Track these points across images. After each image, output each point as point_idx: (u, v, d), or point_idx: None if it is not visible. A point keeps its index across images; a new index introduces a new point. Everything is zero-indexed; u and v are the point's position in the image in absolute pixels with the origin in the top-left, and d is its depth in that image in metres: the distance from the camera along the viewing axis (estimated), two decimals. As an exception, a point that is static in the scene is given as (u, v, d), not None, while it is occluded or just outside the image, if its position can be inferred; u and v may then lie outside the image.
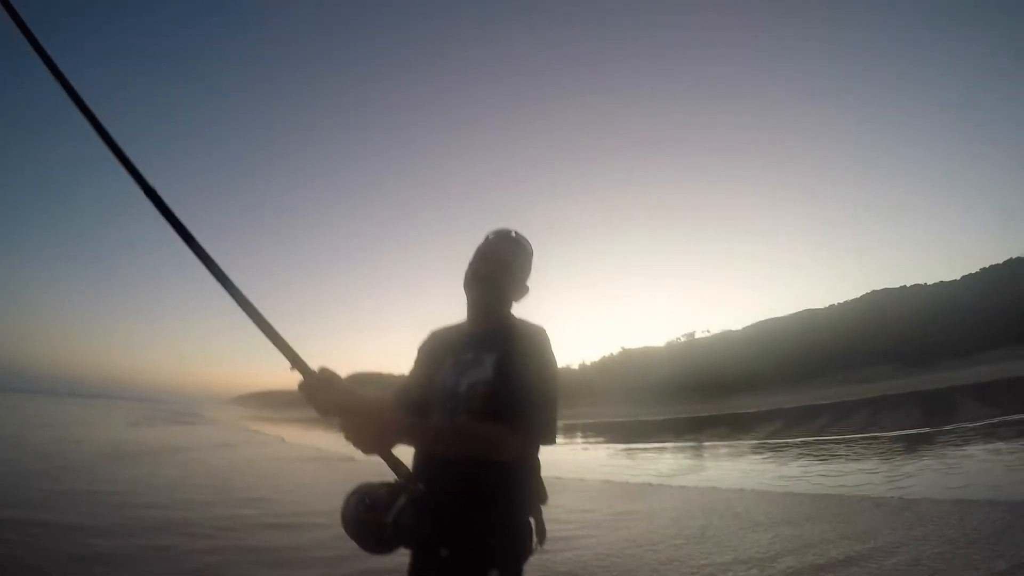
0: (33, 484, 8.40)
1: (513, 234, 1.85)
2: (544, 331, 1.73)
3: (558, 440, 1.67)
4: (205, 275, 1.56)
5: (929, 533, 5.93)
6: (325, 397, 1.54)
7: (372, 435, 1.45)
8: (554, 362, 1.68)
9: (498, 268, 1.78)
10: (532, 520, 1.62)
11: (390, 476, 1.55)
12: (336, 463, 14.92)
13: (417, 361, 1.97)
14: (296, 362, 1.56)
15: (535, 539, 1.61)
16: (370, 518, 1.42)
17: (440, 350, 1.85)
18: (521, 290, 1.87)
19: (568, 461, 16.57)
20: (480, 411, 1.59)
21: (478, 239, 1.87)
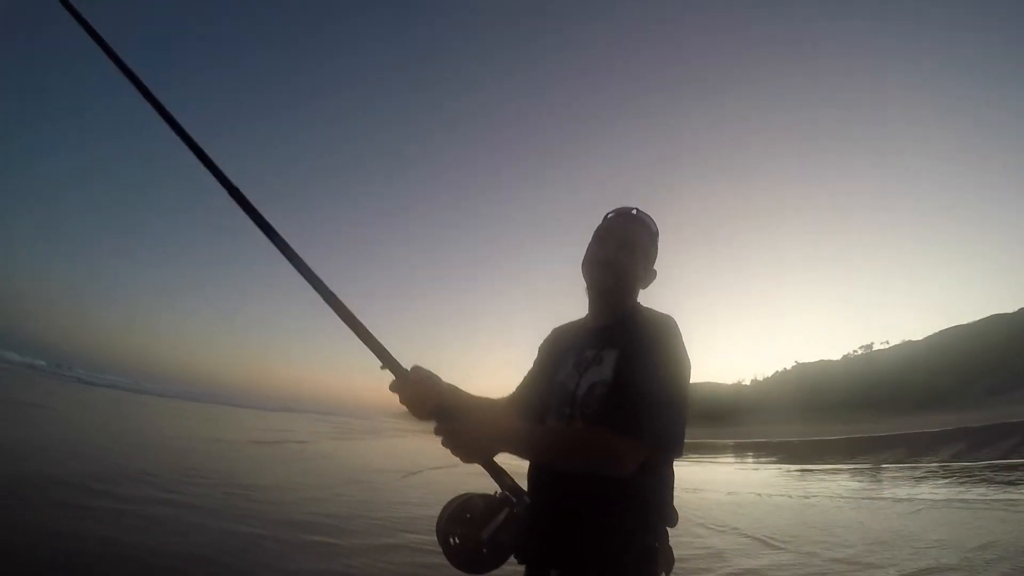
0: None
1: (634, 211, 1.66)
2: (672, 321, 1.49)
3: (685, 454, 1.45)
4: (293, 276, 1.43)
5: None
6: (419, 398, 1.41)
7: (471, 441, 1.31)
8: (681, 358, 1.43)
9: (620, 250, 1.59)
10: (657, 545, 1.40)
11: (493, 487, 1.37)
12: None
13: (537, 361, 1.79)
14: (386, 359, 1.43)
15: (659, 567, 1.39)
16: (464, 533, 1.26)
17: (562, 348, 1.68)
18: (647, 275, 1.67)
19: (738, 481, 16.44)
20: (597, 416, 1.40)
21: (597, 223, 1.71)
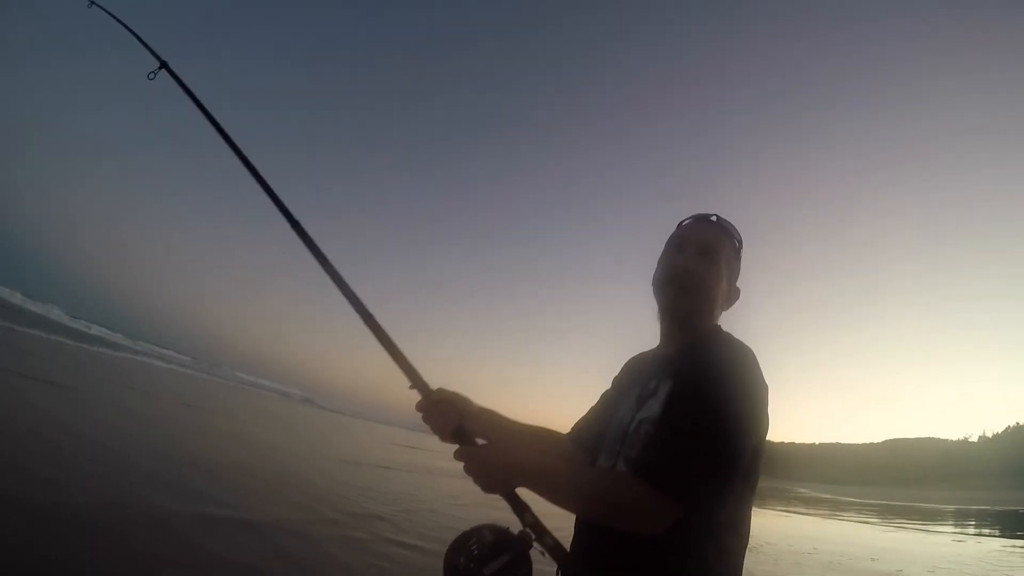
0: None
1: (714, 218, 1.37)
2: (742, 353, 1.18)
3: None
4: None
5: None
6: (443, 419, 1.31)
7: (488, 469, 1.18)
8: (745, 397, 1.11)
9: (700, 259, 1.30)
10: None
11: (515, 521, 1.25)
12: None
13: (603, 393, 1.55)
14: (415, 379, 1.35)
15: None
16: (466, 566, 1.13)
17: (629, 379, 1.45)
18: (730, 292, 1.36)
19: (947, 556, 12.03)
20: (637, 459, 1.15)
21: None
